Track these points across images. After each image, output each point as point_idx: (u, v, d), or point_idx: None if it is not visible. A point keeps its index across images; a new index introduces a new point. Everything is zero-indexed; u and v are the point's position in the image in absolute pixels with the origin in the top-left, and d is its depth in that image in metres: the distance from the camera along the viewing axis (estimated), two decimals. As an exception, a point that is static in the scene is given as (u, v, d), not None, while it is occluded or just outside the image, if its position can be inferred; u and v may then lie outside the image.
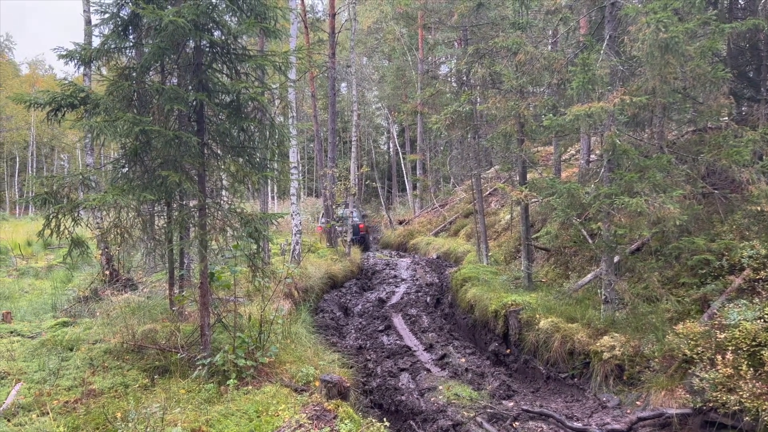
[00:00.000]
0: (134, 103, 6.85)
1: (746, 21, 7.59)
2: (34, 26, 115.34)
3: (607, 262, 8.11)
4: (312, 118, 23.67)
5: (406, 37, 33.81)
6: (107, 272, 11.12)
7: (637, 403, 6.51)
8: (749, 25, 7.54)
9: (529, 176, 11.37)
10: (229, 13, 6.87)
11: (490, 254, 14.50)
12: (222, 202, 7.28)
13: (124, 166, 7.27)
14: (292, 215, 14.94)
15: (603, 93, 7.73)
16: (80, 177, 6.89)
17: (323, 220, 20.74)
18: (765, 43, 9.41)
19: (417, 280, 16.53)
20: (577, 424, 6.18)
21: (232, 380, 6.09)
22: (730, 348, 5.59)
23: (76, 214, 6.53)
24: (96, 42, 9.29)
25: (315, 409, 5.59)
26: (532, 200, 11.03)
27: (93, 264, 13.21)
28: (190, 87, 6.66)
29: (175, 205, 7.26)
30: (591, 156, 13.17)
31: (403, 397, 7.51)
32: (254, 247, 7.28)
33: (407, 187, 34.97)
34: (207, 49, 6.76)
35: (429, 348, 9.94)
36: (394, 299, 14.21)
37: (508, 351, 9.29)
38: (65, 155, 57.70)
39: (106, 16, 6.98)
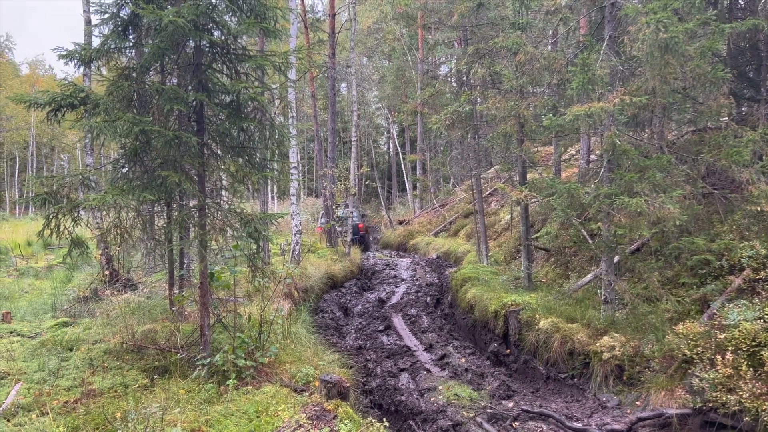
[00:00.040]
0: (134, 103, 6.85)
1: (746, 21, 7.59)
2: (34, 26, 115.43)
3: (607, 263, 8.11)
4: (312, 118, 23.67)
5: (406, 37, 33.82)
6: (107, 272, 11.12)
7: (637, 403, 6.51)
8: (749, 25, 7.54)
9: (529, 176, 11.37)
10: (228, 13, 6.87)
11: (490, 254, 14.50)
12: (222, 202, 7.28)
13: (123, 167, 7.27)
14: (291, 215, 14.94)
15: (603, 93, 7.73)
16: (80, 177, 6.89)
17: (323, 221, 20.74)
18: (765, 43, 9.41)
19: (417, 280, 16.53)
20: (577, 425, 6.18)
21: (231, 380, 6.09)
22: (729, 348, 5.59)
23: (75, 214, 6.53)
24: (96, 42, 9.31)
25: (315, 410, 5.59)
26: (532, 200, 11.03)
27: (93, 264, 13.21)
28: (189, 87, 6.66)
29: (174, 205, 7.26)
30: (591, 156, 13.17)
31: (403, 397, 7.51)
32: (254, 247, 7.27)
33: (407, 187, 34.98)
34: (207, 49, 6.76)
35: (429, 348, 9.94)
36: (394, 299, 14.21)
37: (507, 351, 9.29)
38: (65, 155, 57.72)
39: (106, 16, 6.98)
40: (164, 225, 7.53)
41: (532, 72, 9.41)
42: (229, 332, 6.93)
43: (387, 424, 5.55)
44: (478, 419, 6.48)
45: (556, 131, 9.31)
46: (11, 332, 8.17)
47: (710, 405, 5.40)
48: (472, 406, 6.92)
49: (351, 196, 20.15)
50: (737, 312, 5.97)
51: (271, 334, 7.24)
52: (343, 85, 44.68)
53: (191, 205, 6.90)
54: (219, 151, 7.24)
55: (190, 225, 6.90)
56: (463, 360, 9.14)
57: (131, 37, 7.15)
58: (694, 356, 5.86)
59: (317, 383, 6.24)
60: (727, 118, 8.87)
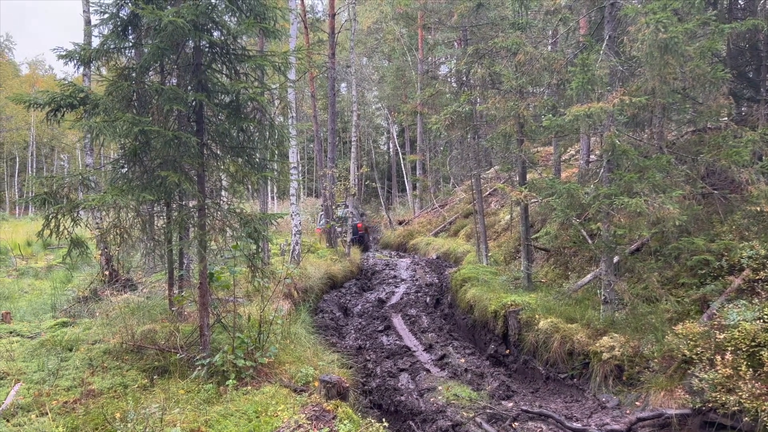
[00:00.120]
0: (134, 103, 6.84)
1: (746, 21, 7.59)
2: (34, 26, 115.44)
3: (606, 263, 8.11)
4: (312, 118, 23.66)
5: (405, 38, 33.82)
6: (107, 272, 11.12)
7: (637, 403, 6.51)
8: (749, 25, 7.54)
9: (528, 176, 11.37)
10: (228, 14, 6.87)
11: (489, 254, 14.50)
12: (221, 202, 7.28)
13: (123, 167, 7.27)
14: (291, 215, 14.94)
15: (602, 93, 7.73)
16: (80, 177, 6.89)
17: (322, 222, 20.73)
18: (764, 44, 9.41)
19: (417, 280, 16.53)
20: (577, 425, 6.17)
21: (231, 380, 6.09)
22: (729, 348, 5.59)
23: (75, 215, 6.53)
24: (96, 42, 9.31)
25: (314, 410, 5.59)
26: (532, 200, 11.04)
27: (92, 264, 13.22)
28: (189, 87, 6.66)
29: (174, 206, 7.26)
30: (590, 156, 13.17)
31: (403, 398, 7.50)
32: (253, 247, 7.27)
33: (407, 188, 34.98)
34: (206, 50, 6.76)
35: (428, 348, 9.94)
36: (394, 299, 14.21)
37: (507, 351, 9.29)
38: (65, 155, 57.72)
39: (106, 16, 6.97)
40: (164, 225, 7.53)
41: (532, 72, 9.41)
42: (228, 332, 6.93)
43: (386, 424, 5.55)
44: (478, 419, 6.48)
45: (555, 131, 9.31)
46: (11, 332, 8.16)
47: (710, 405, 5.40)
48: (471, 407, 6.92)
49: (351, 197, 20.14)
50: (737, 312, 5.97)
51: (271, 334, 7.24)
52: (343, 85, 44.69)
53: (191, 205, 6.90)
54: (218, 152, 7.24)
55: (190, 225, 6.90)
56: (462, 360, 9.14)
57: (131, 37, 7.15)
58: (693, 356, 5.86)
59: (317, 383, 6.24)
60: (726, 119, 8.86)
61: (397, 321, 12.03)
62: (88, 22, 11.69)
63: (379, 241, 28.49)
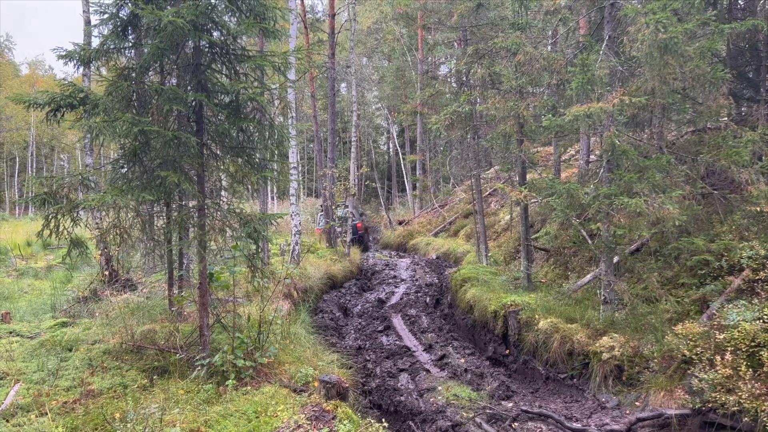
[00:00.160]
0: (133, 103, 6.84)
1: (745, 21, 7.59)
2: (34, 26, 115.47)
3: (606, 263, 8.11)
4: (312, 118, 23.66)
5: (405, 38, 33.82)
6: (106, 272, 11.12)
7: (636, 403, 6.51)
8: (748, 25, 7.54)
9: (528, 176, 11.37)
10: (228, 14, 6.87)
11: (489, 254, 14.50)
12: (221, 202, 7.28)
13: (123, 167, 7.27)
14: (291, 216, 14.94)
15: (602, 93, 7.73)
16: (79, 177, 6.89)
17: (321, 223, 20.72)
18: (764, 44, 9.41)
19: (416, 280, 16.53)
20: (576, 425, 6.17)
21: (230, 381, 6.09)
22: (729, 349, 5.59)
23: (75, 215, 6.53)
24: (95, 42, 9.31)
25: (314, 410, 5.59)
26: (532, 201, 11.04)
27: (92, 264, 13.21)
28: (189, 87, 6.66)
29: (174, 206, 7.26)
30: (590, 156, 13.17)
31: (402, 398, 7.50)
32: (253, 247, 7.27)
33: (407, 188, 34.98)
34: (206, 50, 6.76)
35: (428, 348, 9.94)
36: (394, 299, 14.21)
37: (507, 351, 9.29)
38: (65, 155, 57.72)
39: (106, 16, 6.97)
40: (163, 225, 7.53)
41: (532, 72, 9.41)
42: (228, 332, 6.93)
43: (386, 424, 5.55)
44: (478, 420, 6.48)
45: (555, 131, 9.31)
46: (10, 332, 8.16)
47: (709, 405, 5.40)
48: (471, 407, 6.92)
49: (351, 197, 20.13)
50: (736, 312, 5.97)
51: (271, 334, 7.24)
52: (343, 85, 44.68)
53: (190, 205, 6.90)
54: (218, 152, 7.24)
55: (190, 225, 6.90)
56: (462, 360, 9.14)
57: (130, 37, 7.15)
58: (693, 357, 5.86)
59: (316, 384, 6.23)
60: (726, 119, 8.86)
61: (397, 321, 12.03)
62: (87, 22, 11.69)
63: (379, 241, 28.49)
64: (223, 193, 7.98)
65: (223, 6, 6.64)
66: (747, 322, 5.74)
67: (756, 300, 6.41)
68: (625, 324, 7.53)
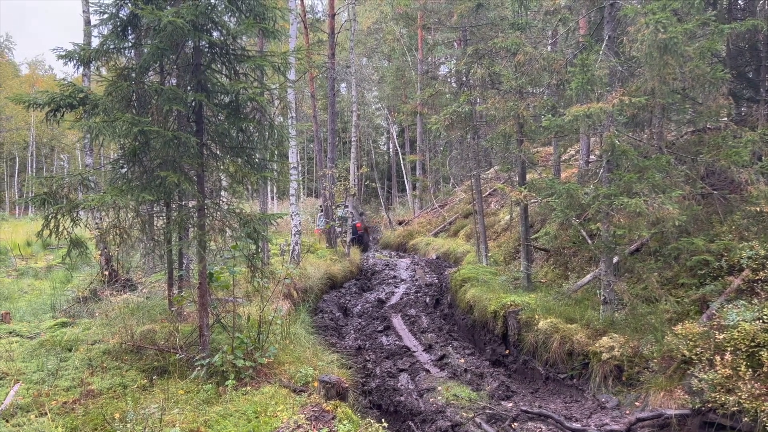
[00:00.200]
0: (133, 103, 6.85)
1: (745, 22, 7.59)
2: (34, 26, 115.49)
3: (606, 263, 8.11)
4: (311, 118, 23.66)
5: (405, 38, 33.83)
6: (106, 273, 11.12)
7: (636, 403, 6.50)
8: (748, 25, 7.54)
9: (528, 177, 11.37)
10: (228, 14, 6.87)
11: (489, 255, 14.50)
12: (221, 202, 7.28)
13: (123, 167, 7.27)
14: (291, 216, 14.94)
15: (602, 94, 7.73)
16: (79, 177, 6.89)
17: (321, 223, 20.71)
18: (764, 44, 9.41)
19: (416, 280, 16.53)
20: (576, 425, 6.17)
21: (230, 381, 6.09)
22: (728, 349, 5.59)
23: (75, 215, 6.53)
24: (95, 42, 9.31)
25: (313, 410, 5.59)
26: (532, 201, 11.03)
27: (92, 264, 13.21)
28: (189, 87, 6.66)
29: (174, 206, 7.26)
30: (590, 156, 13.17)
31: (402, 398, 7.50)
32: (253, 247, 7.27)
33: (407, 188, 34.98)
34: (206, 50, 6.76)
35: (428, 348, 9.94)
36: (394, 300, 14.21)
37: (507, 351, 9.28)
38: (65, 155, 57.72)
39: (105, 16, 6.97)
40: (163, 225, 7.53)
41: (532, 72, 9.41)
42: (228, 333, 6.93)
43: (386, 424, 5.55)
44: (477, 420, 6.48)
45: (555, 132, 9.31)
46: (10, 332, 8.16)
47: (709, 406, 5.40)
48: (471, 407, 6.91)
49: (351, 197, 20.13)
50: (736, 312, 5.97)
51: (270, 334, 7.24)
52: (343, 85, 44.67)
53: (190, 205, 6.90)
54: (218, 152, 7.23)
55: (189, 225, 6.90)
56: (462, 360, 9.14)
57: (130, 37, 7.15)
58: (693, 357, 5.86)
59: (316, 384, 6.23)
60: (726, 119, 8.87)
61: (397, 321, 12.03)
62: (87, 22, 11.69)
63: (379, 241, 28.49)
64: (222, 193, 7.98)
65: (223, 6, 6.64)
66: (747, 322, 5.74)
67: (756, 300, 6.41)
68: (625, 324, 7.53)
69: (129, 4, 6.84)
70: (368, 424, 5.44)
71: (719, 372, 5.39)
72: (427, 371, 8.64)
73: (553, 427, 6.28)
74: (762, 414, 4.92)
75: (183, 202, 7.03)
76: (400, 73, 35.17)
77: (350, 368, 8.21)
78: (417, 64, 31.78)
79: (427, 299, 13.96)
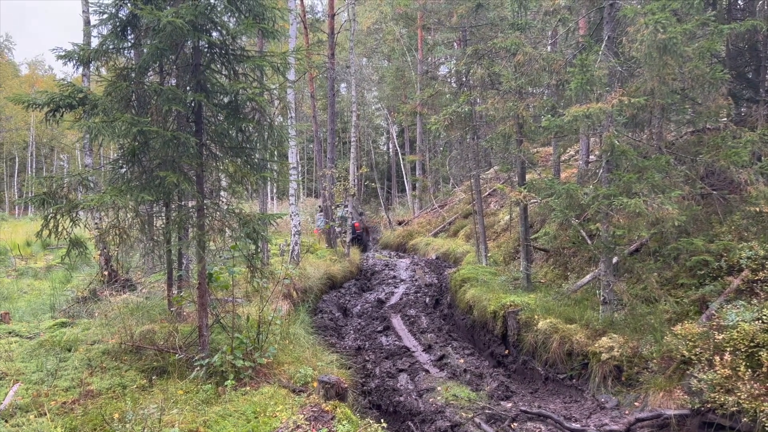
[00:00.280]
0: (133, 103, 6.84)
1: (745, 22, 7.59)
2: (34, 26, 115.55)
3: (605, 263, 8.11)
4: (311, 118, 23.66)
5: (405, 38, 33.82)
6: (106, 273, 11.12)
7: (636, 404, 6.50)
8: (748, 26, 7.54)
9: (528, 177, 11.37)
10: (227, 14, 6.86)
11: (489, 255, 14.50)
12: (220, 202, 7.28)
13: (122, 167, 7.27)
14: (291, 216, 14.94)
15: (601, 94, 7.73)
16: (79, 177, 6.89)
17: (320, 223, 20.70)
18: (764, 44, 9.42)
19: (416, 280, 16.52)
20: (576, 425, 6.17)
21: (230, 381, 6.09)
22: (728, 349, 5.59)
23: (74, 215, 6.53)
24: (95, 42, 9.30)
25: (313, 410, 5.59)
26: (531, 201, 11.03)
27: (92, 264, 13.22)
28: (188, 87, 6.66)
29: (173, 206, 7.25)
30: (590, 157, 13.17)
31: (402, 398, 7.50)
32: (253, 247, 7.27)
33: (406, 188, 34.98)
34: (205, 50, 6.76)
35: (428, 349, 9.94)
36: (393, 300, 14.20)
37: (506, 352, 9.28)
38: (65, 156, 57.71)
39: (105, 16, 6.97)
40: (163, 225, 7.53)
41: (531, 72, 9.42)
42: (227, 333, 6.93)
43: (385, 424, 5.56)
44: (477, 420, 6.48)
45: (554, 132, 9.32)
46: (10, 333, 8.15)
47: (708, 406, 5.40)
48: (470, 407, 6.91)
49: (350, 197, 20.12)
50: (736, 313, 5.97)
51: (270, 334, 7.24)
52: (343, 85, 44.65)
53: (190, 205, 6.90)
54: (218, 152, 7.23)
55: (189, 225, 6.90)
56: (461, 360, 9.14)
57: (130, 37, 7.15)
58: (692, 357, 5.86)
59: (315, 384, 6.23)
60: (725, 119, 8.87)
61: (397, 321, 12.03)
62: (87, 22, 11.69)
63: (379, 242, 28.49)
64: (222, 193, 7.98)
65: (222, 6, 6.64)
66: (746, 322, 5.74)
67: (755, 300, 6.41)
68: (625, 324, 7.53)
69: (128, 5, 6.83)
70: (367, 424, 5.44)
71: (718, 372, 5.39)
72: (427, 371, 8.64)
73: (553, 428, 6.28)
74: (761, 414, 4.92)
75: (182, 202, 7.03)
76: (399, 74, 35.17)
77: (350, 368, 8.20)
78: (417, 65, 31.78)
79: (427, 299, 13.96)
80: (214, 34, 6.78)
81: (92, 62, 7.20)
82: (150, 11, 5.77)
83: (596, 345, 7.35)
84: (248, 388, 6.14)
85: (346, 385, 6.51)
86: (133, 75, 6.89)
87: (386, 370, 8.78)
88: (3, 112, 45.45)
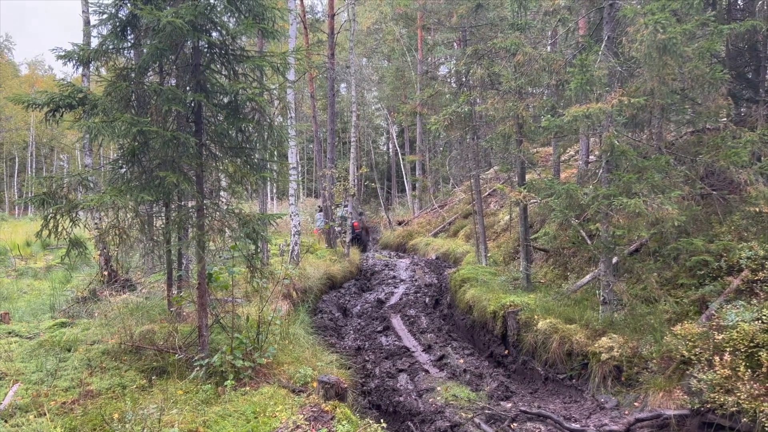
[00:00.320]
0: (132, 103, 6.84)
1: (745, 22, 7.59)
2: (34, 26, 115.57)
3: (605, 263, 8.11)
4: (311, 118, 23.66)
5: (405, 38, 33.82)
6: (105, 273, 11.12)
7: (635, 404, 6.50)
8: (747, 26, 7.54)
9: (527, 177, 11.37)
10: (227, 14, 6.86)
11: (489, 255, 14.50)
12: (220, 202, 7.28)
13: (122, 167, 7.27)
14: (291, 216, 14.93)
15: (601, 94, 7.74)
16: (78, 177, 6.89)
17: (319, 223, 20.69)
18: (763, 44, 9.42)
19: (416, 280, 16.52)
20: (575, 426, 6.17)
21: (229, 381, 6.09)
22: (728, 349, 5.59)
23: (74, 215, 6.53)
24: (95, 42, 9.30)
25: (312, 410, 5.59)
26: (531, 201, 11.03)
27: (91, 264, 13.21)
28: (188, 88, 6.66)
29: (173, 206, 7.25)
30: (590, 157, 13.17)
31: (401, 398, 7.50)
32: (252, 247, 7.27)
33: (406, 188, 34.97)
34: (205, 50, 6.76)
35: (427, 349, 9.94)
36: (393, 300, 14.20)
37: (506, 352, 9.28)
38: (65, 156, 57.71)
39: (105, 16, 6.97)
40: (163, 225, 7.53)
41: (531, 73, 9.42)
42: (227, 333, 6.93)
43: (385, 425, 5.56)
44: (477, 420, 6.48)
45: (554, 132, 9.32)
46: (9, 333, 8.15)
47: (708, 406, 5.40)
48: (470, 407, 6.91)
49: (350, 197, 20.12)
50: (735, 313, 5.97)
51: (270, 334, 7.24)
52: (343, 85, 44.64)
53: (189, 205, 6.90)
54: (217, 152, 7.23)
55: (189, 225, 6.89)
56: (461, 361, 9.14)
57: (130, 37, 7.15)
58: (692, 357, 5.86)
59: (315, 384, 6.23)
60: (725, 119, 8.88)
61: (396, 321, 12.03)
62: (87, 22, 11.69)
63: (379, 242, 28.48)
64: (222, 193, 7.98)
65: (222, 6, 6.64)
66: (746, 322, 5.74)
67: (755, 300, 6.41)
68: (624, 324, 7.53)
69: (128, 5, 6.84)
70: (367, 424, 5.44)
71: (718, 372, 5.39)
72: (427, 371, 8.64)
73: (552, 428, 6.28)
74: (761, 414, 4.92)
75: (182, 203, 7.03)
76: (399, 74, 35.16)
77: (349, 368, 8.20)
78: (417, 65, 31.78)
79: (427, 299, 13.96)
80: (214, 34, 6.79)
81: (92, 62, 7.20)
82: (150, 11, 5.77)
83: (596, 345, 7.35)
84: (248, 388, 6.14)
85: (345, 385, 6.51)
86: (132, 75, 6.89)
87: (386, 370, 8.78)
88: (3, 112, 45.45)
